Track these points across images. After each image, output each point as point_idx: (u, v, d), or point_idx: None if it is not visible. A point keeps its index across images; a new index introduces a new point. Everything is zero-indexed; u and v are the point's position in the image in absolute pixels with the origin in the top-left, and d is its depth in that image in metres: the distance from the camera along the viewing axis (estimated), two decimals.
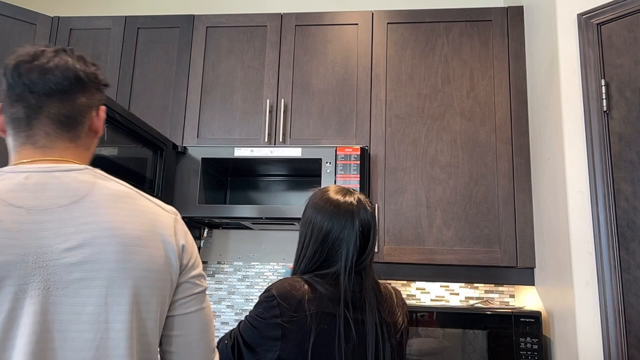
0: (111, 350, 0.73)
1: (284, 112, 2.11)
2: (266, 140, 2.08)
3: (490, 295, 2.20)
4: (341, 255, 1.18)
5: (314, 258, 1.20)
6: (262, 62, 2.19)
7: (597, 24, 1.54)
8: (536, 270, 1.89)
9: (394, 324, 1.20)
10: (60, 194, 0.76)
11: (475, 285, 2.21)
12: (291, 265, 1.30)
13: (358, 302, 1.16)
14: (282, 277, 1.22)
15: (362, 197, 1.27)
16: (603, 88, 1.50)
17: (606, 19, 1.52)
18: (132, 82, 2.23)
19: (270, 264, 2.38)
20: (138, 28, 2.29)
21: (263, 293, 1.16)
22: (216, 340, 0.93)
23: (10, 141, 0.82)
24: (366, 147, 1.99)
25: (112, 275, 0.74)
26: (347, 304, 1.13)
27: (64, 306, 0.72)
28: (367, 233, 1.22)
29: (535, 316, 1.73)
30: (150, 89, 2.22)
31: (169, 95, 2.20)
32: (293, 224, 2.12)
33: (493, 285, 2.20)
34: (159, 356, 0.85)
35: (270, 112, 2.11)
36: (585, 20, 1.57)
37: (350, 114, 2.09)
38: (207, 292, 0.90)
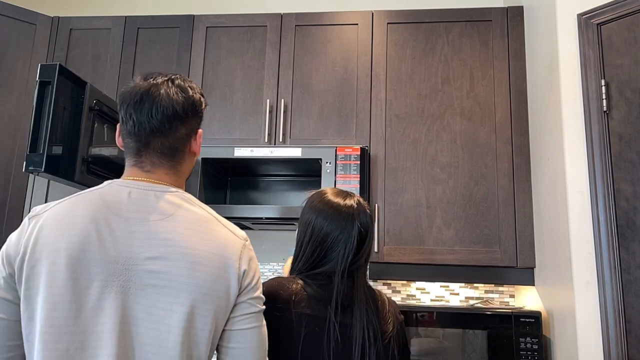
0: (168, 350, 0.85)
1: (284, 112, 2.11)
2: (266, 140, 2.08)
3: (490, 295, 2.20)
4: (337, 255, 1.20)
5: (312, 257, 1.22)
6: (262, 62, 2.19)
7: (597, 24, 1.54)
8: (536, 271, 1.89)
9: (383, 329, 1.20)
10: (152, 210, 0.92)
11: (475, 285, 2.21)
12: (289, 260, 1.32)
13: (347, 303, 1.17)
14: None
15: (361, 199, 1.28)
16: (603, 88, 1.50)
17: (606, 19, 1.52)
18: None
19: (270, 264, 2.38)
20: (138, 28, 2.29)
21: None
22: None
23: (126, 158, 0.99)
24: (366, 147, 1.99)
25: (179, 287, 0.87)
26: (337, 304, 1.15)
27: (139, 305, 0.86)
28: (365, 235, 1.24)
29: (535, 316, 1.73)
30: None
31: None
32: (293, 224, 2.12)
33: (493, 285, 2.20)
34: None
35: (270, 112, 2.11)
36: (585, 20, 1.57)
37: (350, 114, 2.09)
38: None
